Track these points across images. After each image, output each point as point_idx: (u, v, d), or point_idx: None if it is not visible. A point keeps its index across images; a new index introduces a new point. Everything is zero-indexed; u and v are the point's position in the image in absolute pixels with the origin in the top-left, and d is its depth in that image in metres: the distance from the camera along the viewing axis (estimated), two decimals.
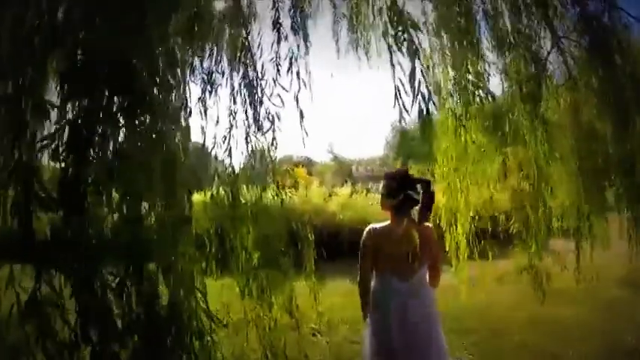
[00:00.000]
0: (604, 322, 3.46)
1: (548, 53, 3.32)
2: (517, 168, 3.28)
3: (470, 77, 3.02)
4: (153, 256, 1.60)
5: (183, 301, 1.84)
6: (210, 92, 3.00)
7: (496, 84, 3.27)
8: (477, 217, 3.47)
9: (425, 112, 1.61)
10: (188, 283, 2.06)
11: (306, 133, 2.92)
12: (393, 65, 1.65)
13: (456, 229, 3.69)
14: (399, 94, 1.66)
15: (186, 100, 2.32)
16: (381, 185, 2.36)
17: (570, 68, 3.40)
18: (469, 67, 3.01)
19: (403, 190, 2.18)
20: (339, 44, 4.31)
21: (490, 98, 3.15)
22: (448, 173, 3.55)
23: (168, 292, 1.88)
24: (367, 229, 2.25)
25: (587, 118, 3.20)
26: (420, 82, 1.57)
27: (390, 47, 1.66)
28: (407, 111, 1.83)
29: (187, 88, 2.83)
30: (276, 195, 3.10)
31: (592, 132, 3.15)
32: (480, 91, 3.08)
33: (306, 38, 3.03)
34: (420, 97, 1.58)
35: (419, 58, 1.59)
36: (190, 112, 2.37)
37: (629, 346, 3.22)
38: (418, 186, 2.18)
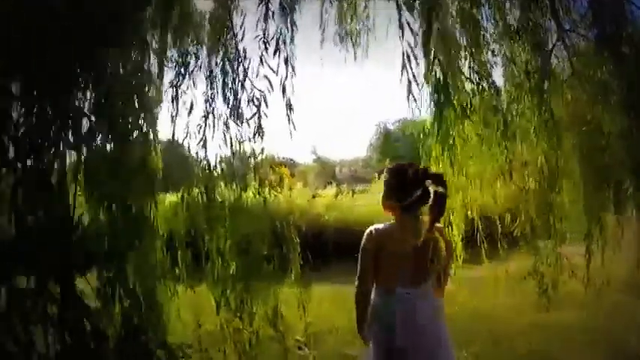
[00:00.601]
0: (609, 327, 3.25)
1: (554, 46, 3.10)
2: (521, 165, 3.04)
3: (474, 66, 2.76)
4: (86, 268, 1.24)
5: (138, 323, 1.50)
6: (184, 76, 2.64)
7: (498, 75, 3.04)
8: (477, 218, 3.20)
9: (442, 81, 1.35)
10: (147, 301, 1.72)
11: (294, 126, 2.60)
12: (401, 26, 1.38)
13: (452, 230, 3.45)
14: (409, 61, 1.39)
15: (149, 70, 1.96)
16: (383, 180, 2.04)
17: (574, 64, 3.19)
18: (473, 55, 2.75)
19: (417, 186, 1.87)
20: (325, 34, 4.06)
21: (493, 90, 2.90)
22: (443, 169, 3.29)
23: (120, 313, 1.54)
24: (368, 230, 1.91)
25: (593, 115, 2.97)
26: (437, 44, 1.29)
27: (399, 7, 1.37)
28: (417, 83, 1.59)
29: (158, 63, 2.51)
30: (258, 194, 2.76)
31: (598, 130, 2.92)
32: (484, 81, 2.84)
33: (293, 24, 2.70)
34: (436, 62, 1.31)
35: (437, 17, 1.32)
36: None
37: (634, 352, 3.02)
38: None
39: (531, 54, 2.81)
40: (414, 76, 1.52)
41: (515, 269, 3.24)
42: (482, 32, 2.83)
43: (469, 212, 3.33)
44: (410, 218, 1.89)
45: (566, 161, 2.98)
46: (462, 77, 2.87)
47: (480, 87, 2.82)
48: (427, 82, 2.34)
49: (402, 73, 1.55)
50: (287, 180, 3.74)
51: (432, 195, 1.86)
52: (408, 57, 1.49)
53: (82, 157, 1.67)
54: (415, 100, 1.60)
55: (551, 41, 3.04)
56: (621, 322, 3.18)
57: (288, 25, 2.38)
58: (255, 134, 2.39)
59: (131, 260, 1.81)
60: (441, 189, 1.85)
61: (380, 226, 1.93)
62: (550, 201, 2.93)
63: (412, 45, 1.52)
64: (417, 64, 1.53)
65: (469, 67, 2.84)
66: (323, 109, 35.72)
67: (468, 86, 2.84)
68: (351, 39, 3.95)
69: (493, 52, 2.92)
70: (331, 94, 39.24)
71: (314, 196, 9.57)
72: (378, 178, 10.48)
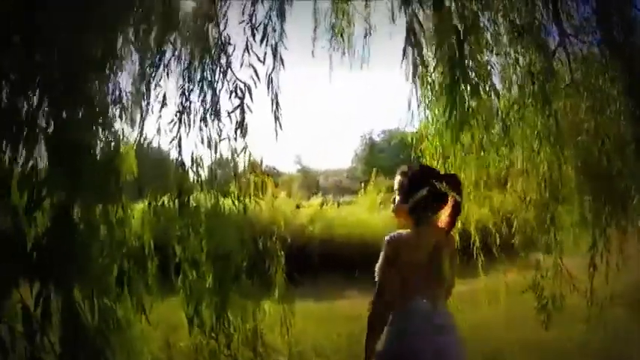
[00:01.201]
0: (612, 344, 3.08)
1: (555, 49, 2.96)
2: (521, 173, 2.85)
3: (473, 65, 2.57)
4: None
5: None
6: (158, 66, 2.37)
7: (499, 76, 2.87)
8: (473, 230, 2.99)
9: (457, 56, 1.19)
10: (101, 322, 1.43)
11: (280, 124, 2.35)
12: None
13: None
14: (414, 35, 1.22)
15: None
16: (395, 184, 1.84)
17: (574, 70, 3.05)
18: (476, 55, 2.57)
19: (423, 184, 1.71)
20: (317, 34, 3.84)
21: (493, 92, 2.73)
22: None
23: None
24: (389, 238, 1.69)
25: (597, 123, 2.82)
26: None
27: None
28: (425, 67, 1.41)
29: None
30: (238, 200, 2.47)
31: (603, 139, 2.77)
32: (484, 83, 2.66)
33: (282, 12, 2.46)
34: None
35: None
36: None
37: None
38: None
39: (535, 55, 2.64)
40: (420, 55, 1.32)
41: (512, 283, 3.05)
42: (483, 30, 2.66)
43: (465, 223, 3.13)
44: (424, 224, 1.73)
45: (570, 170, 2.81)
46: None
47: (479, 88, 2.64)
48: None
49: (403, 54, 1.34)
50: (270, 186, 3.46)
51: (449, 201, 1.74)
52: (414, 32, 1.29)
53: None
54: (419, 79, 1.40)
55: (554, 45, 2.90)
56: (624, 339, 3.03)
57: (277, 11, 2.15)
58: (237, 130, 2.11)
59: (82, 275, 1.53)
60: (457, 196, 1.72)
61: (399, 232, 1.73)
62: (552, 211, 2.75)
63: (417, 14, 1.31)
64: (424, 39, 1.34)
65: (467, 67, 2.67)
66: (307, 117, 35.69)
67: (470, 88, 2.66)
68: (342, 39, 3.75)
69: (492, 50, 2.75)
70: (317, 103, 39.22)
71: (298, 207, 9.30)
72: (365, 190, 10.31)
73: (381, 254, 1.70)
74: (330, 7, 3.58)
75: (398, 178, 1.84)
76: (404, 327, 1.64)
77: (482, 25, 2.74)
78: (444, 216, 1.77)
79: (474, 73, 2.63)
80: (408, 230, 1.74)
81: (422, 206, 1.71)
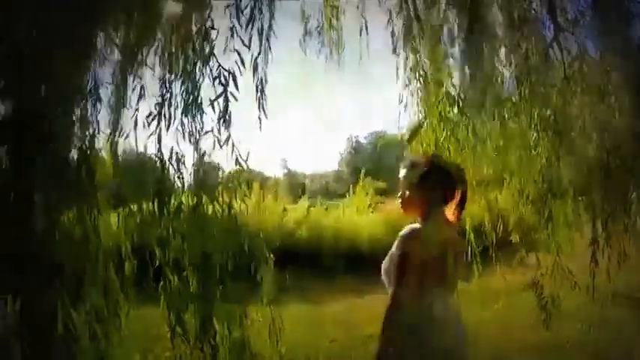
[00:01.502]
0: (613, 343, 3.02)
1: (550, 43, 2.90)
2: (519, 168, 2.76)
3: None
4: None
5: None
6: (136, 54, 2.19)
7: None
8: (469, 229, 2.89)
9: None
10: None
11: (265, 114, 2.20)
12: None
13: None
14: None
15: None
16: (403, 174, 1.74)
17: (568, 65, 2.99)
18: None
19: (423, 165, 1.70)
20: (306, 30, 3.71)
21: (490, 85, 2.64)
22: None
23: None
24: (406, 232, 1.59)
25: (596, 117, 2.75)
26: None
27: None
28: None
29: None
30: (222, 198, 2.30)
31: (604, 133, 2.70)
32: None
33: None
34: None
35: None
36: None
37: None
38: None
39: (531, 47, 2.57)
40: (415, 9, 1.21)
41: (511, 282, 2.97)
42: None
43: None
44: (434, 215, 1.66)
45: (569, 165, 2.74)
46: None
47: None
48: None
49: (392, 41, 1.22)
50: (257, 187, 3.28)
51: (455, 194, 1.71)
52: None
53: None
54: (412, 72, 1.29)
55: (548, 39, 2.84)
56: (625, 338, 2.97)
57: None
58: (219, 119, 1.94)
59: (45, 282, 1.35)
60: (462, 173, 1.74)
61: (412, 227, 1.65)
62: (550, 207, 2.67)
63: None
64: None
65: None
66: (294, 121, 35.62)
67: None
68: (332, 35, 3.62)
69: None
70: (303, 106, 39.17)
71: (284, 209, 9.14)
72: (353, 192, 10.18)
73: (395, 252, 1.60)
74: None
75: (401, 171, 1.77)
76: (412, 325, 1.55)
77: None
78: (449, 211, 1.72)
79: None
80: (418, 225, 1.66)
81: (429, 193, 1.65)
